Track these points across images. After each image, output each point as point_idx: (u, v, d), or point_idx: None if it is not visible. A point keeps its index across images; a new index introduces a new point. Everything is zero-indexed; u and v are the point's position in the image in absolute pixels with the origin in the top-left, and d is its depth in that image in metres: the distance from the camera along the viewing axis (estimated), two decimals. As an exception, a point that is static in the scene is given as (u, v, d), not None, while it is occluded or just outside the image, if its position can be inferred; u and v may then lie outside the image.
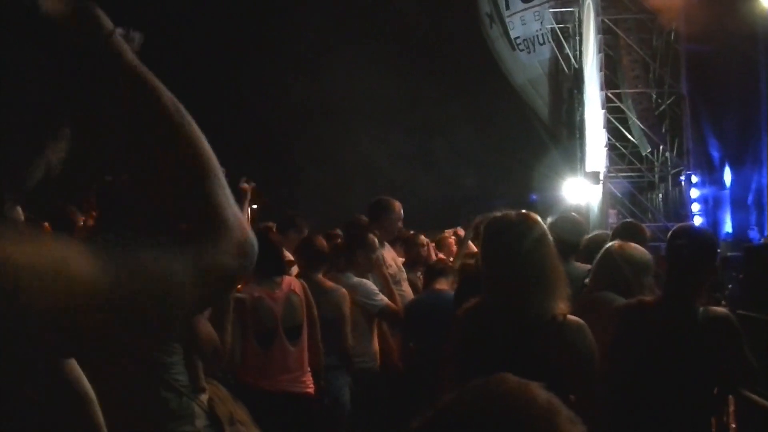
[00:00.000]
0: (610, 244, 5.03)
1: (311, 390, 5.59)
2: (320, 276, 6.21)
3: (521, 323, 3.37)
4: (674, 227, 4.33)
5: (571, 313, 3.76)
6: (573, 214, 7.17)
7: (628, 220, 7.27)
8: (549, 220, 6.67)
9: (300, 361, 5.54)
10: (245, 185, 7.08)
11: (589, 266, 5.44)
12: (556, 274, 3.44)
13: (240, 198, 7.11)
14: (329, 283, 6.20)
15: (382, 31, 34.15)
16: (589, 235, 6.48)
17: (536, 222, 3.52)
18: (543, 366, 3.27)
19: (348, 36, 33.89)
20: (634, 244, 4.94)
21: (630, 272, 4.72)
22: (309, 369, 5.62)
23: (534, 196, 29.99)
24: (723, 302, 8.97)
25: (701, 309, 4.00)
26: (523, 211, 3.58)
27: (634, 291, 4.54)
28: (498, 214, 3.59)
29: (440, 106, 35.90)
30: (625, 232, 5.83)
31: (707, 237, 4.24)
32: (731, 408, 4.79)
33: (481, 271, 3.62)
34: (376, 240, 6.76)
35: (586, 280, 5.15)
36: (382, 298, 6.49)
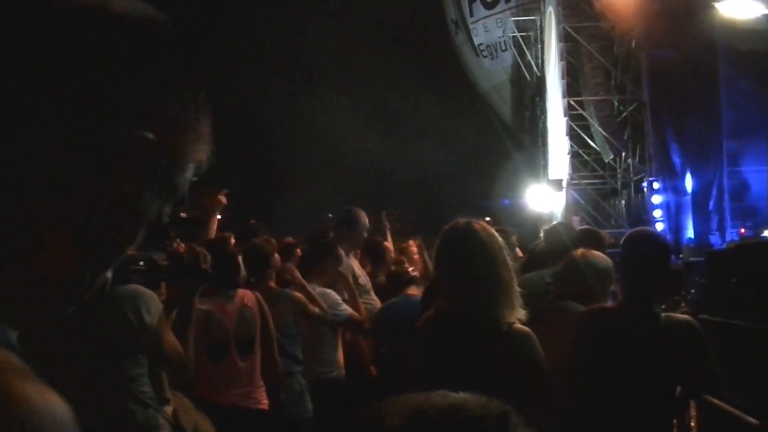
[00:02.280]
0: (574, 251, 5.07)
1: (265, 405, 5.50)
2: (271, 283, 6.17)
3: (469, 332, 3.37)
4: (629, 233, 4.37)
5: (534, 320, 3.77)
6: (562, 222, 7.24)
7: (587, 227, 7.34)
8: (545, 227, 6.75)
9: (251, 376, 5.45)
10: (222, 198, 6.99)
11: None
12: (504, 283, 3.43)
13: (212, 208, 7.03)
14: (278, 289, 6.17)
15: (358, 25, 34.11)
16: (533, 245, 6.57)
17: (484, 230, 3.53)
18: (492, 375, 3.28)
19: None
20: (596, 252, 4.98)
21: (593, 280, 4.76)
22: (262, 384, 5.54)
23: (506, 201, 30.17)
24: (683, 304, 9.02)
25: (663, 315, 4.02)
26: (473, 219, 3.58)
27: (597, 298, 4.57)
28: (450, 223, 3.59)
29: (408, 109, 35.98)
30: (587, 239, 5.87)
31: (661, 241, 4.27)
32: (693, 412, 4.83)
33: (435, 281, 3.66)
34: (344, 253, 6.76)
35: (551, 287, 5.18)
36: (346, 308, 6.47)
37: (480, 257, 3.44)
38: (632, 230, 4.40)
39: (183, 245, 4.01)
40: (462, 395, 1.16)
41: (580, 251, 5.05)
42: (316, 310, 6.09)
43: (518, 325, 3.40)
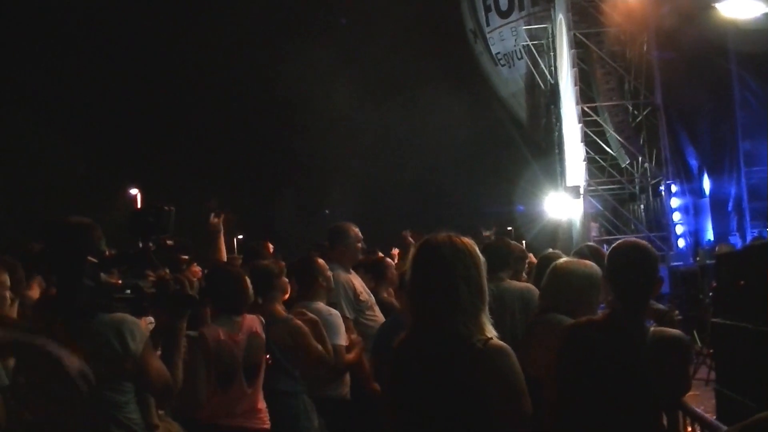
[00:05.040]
0: (556, 262, 5.02)
1: (267, 426, 5.57)
2: (276, 305, 6.18)
3: (441, 349, 3.30)
4: (615, 244, 4.30)
5: (522, 335, 3.72)
6: (504, 238, 7.17)
7: (589, 243, 7.26)
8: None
9: (255, 400, 5.52)
10: (215, 219, 6.96)
11: (525, 284, 5.45)
12: (479, 297, 3.35)
13: (213, 231, 7.00)
14: (283, 313, 6.18)
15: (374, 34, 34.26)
16: (542, 254, 6.52)
17: (460, 244, 3.42)
18: (465, 392, 3.25)
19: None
20: (579, 261, 4.92)
21: (573, 289, 4.70)
22: (265, 404, 5.60)
23: (521, 207, 30.24)
24: (677, 312, 8.91)
25: (652, 329, 3.96)
26: (451, 233, 3.48)
27: (580, 308, 4.52)
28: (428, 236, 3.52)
29: (426, 114, 36.06)
30: (584, 254, 5.76)
31: (648, 251, 4.20)
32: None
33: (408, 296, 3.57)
34: (329, 268, 6.77)
35: None
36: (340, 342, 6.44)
37: (459, 270, 3.34)
38: (619, 242, 4.30)
39: (168, 272, 4.02)
40: None
41: (561, 261, 5.00)
42: (319, 348, 6.08)
43: (495, 341, 3.29)
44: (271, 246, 8.69)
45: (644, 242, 4.34)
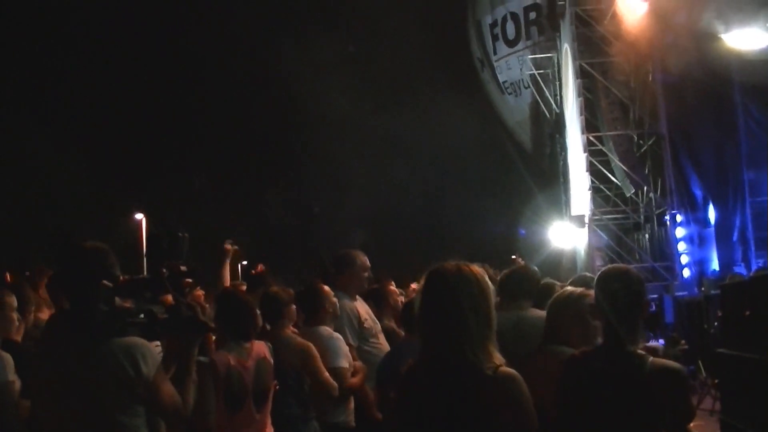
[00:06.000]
0: (555, 293, 5.08)
1: None
2: (285, 331, 6.25)
3: (451, 376, 3.33)
4: (601, 271, 4.33)
5: (528, 367, 3.74)
6: (527, 265, 7.21)
7: (584, 273, 7.30)
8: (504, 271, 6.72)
9: (263, 425, 5.59)
10: (228, 246, 7.20)
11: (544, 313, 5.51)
12: (486, 326, 3.38)
13: (221, 257, 7.22)
14: (294, 339, 6.24)
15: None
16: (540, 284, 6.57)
17: (468, 273, 3.46)
18: (475, 419, 3.27)
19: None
20: (575, 289, 4.97)
21: (570, 318, 4.74)
22: (273, 430, 5.66)
23: (522, 231, 30.30)
24: (682, 341, 8.91)
25: (649, 360, 3.94)
26: (460, 262, 3.52)
27: (578, 336, 4.56)
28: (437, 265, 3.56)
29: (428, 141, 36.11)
30: (579, 283, 5.80)
31: (632, 275, 4.21)
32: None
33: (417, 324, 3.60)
34: (328, 288, 6.83)
35: None
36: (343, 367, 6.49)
37: (468, 299, 3.36)
38: (607, 268, 4.33)
39: (170, 297, 4.04)
40: None
41: (558, 293, 5.06)
42: (326, 374, 6.15)
43: (504, 368, 3.33)
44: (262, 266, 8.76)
45: (628, 266, 4.37)
